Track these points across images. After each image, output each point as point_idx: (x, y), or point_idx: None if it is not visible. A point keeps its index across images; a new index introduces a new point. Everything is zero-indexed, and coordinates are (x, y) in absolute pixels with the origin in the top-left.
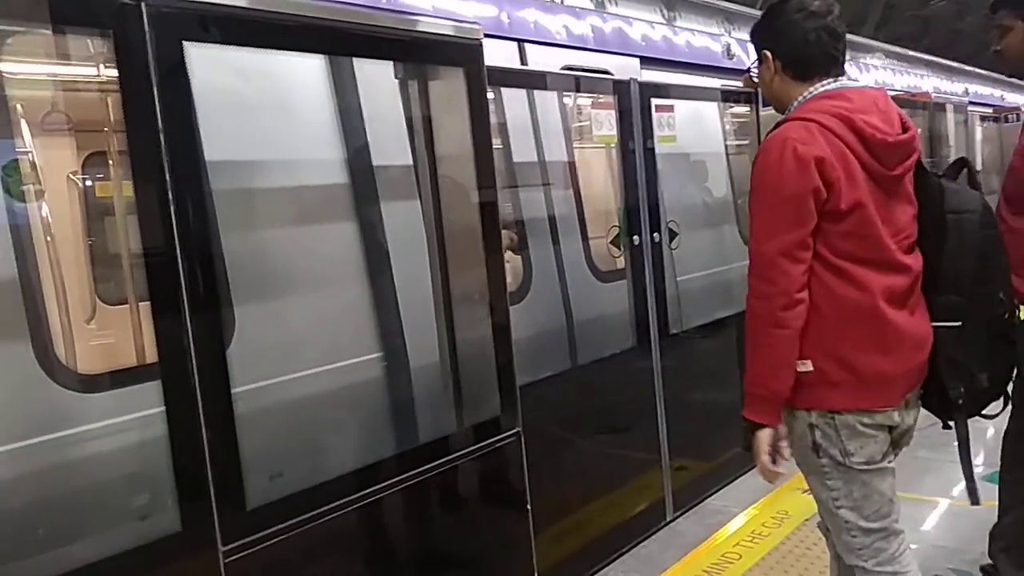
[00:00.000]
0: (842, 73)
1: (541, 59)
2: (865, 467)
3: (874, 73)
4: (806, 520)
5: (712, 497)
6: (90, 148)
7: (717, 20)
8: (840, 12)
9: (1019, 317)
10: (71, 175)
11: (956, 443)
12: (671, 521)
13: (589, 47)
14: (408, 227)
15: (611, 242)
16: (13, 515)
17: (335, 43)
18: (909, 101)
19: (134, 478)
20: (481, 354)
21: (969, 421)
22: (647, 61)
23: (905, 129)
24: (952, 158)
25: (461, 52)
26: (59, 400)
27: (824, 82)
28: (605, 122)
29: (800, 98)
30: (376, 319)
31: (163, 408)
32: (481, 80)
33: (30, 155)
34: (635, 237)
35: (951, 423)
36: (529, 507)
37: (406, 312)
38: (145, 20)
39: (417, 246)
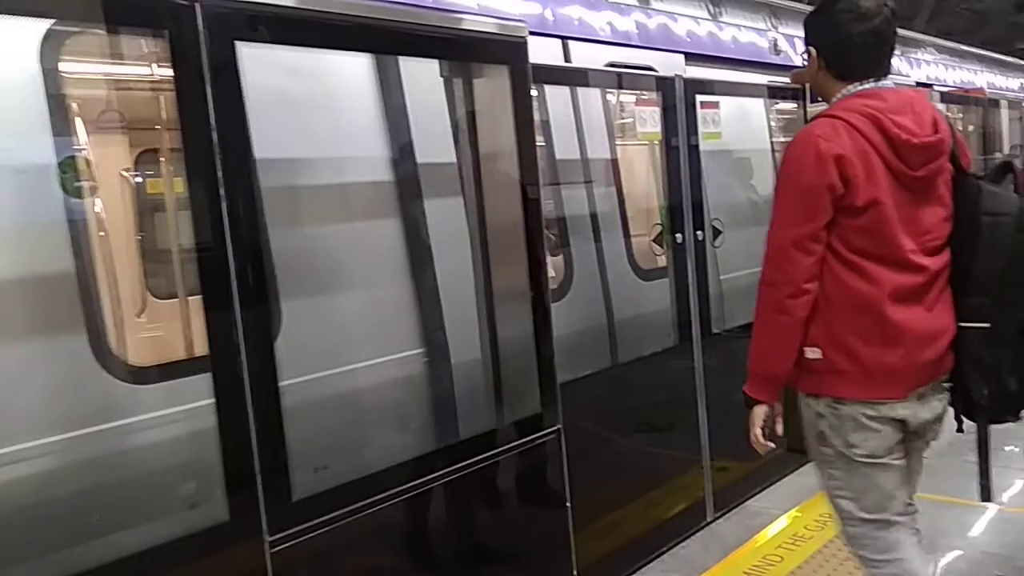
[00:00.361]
0: (886, 74)
1: (585, 56)
2: (867, 460)
3: (925, 68)
4: None
5: (753, 499)
6: (142, 145)
7: (763, 15)
8: (893, 10)
9: None
10: (123, 172)
11: (1006, 447)
12: (711, 522)
13: (633, 43)
14: (451, 224)
15: (654, 240)
16: (69, 502)
17: (381, 42)
18: (962, 97)
19: (183, 468)
20: (523, 351)
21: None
22: (692, 57)
23: (936, 132)
24: (1006, 155)
25: (506, 50)
26: (112, 390)
27: (865, 82)
28: (649, 119)
29: (839, 95)
30: (419, 315)
31: (212, 400)
32: (526, 77)
33: (85, 152)
34: (678, 235)
35: (962, 428)
36: (569, 504)
37: (449, 308)
38: (199, 20)
39: (460, 243)
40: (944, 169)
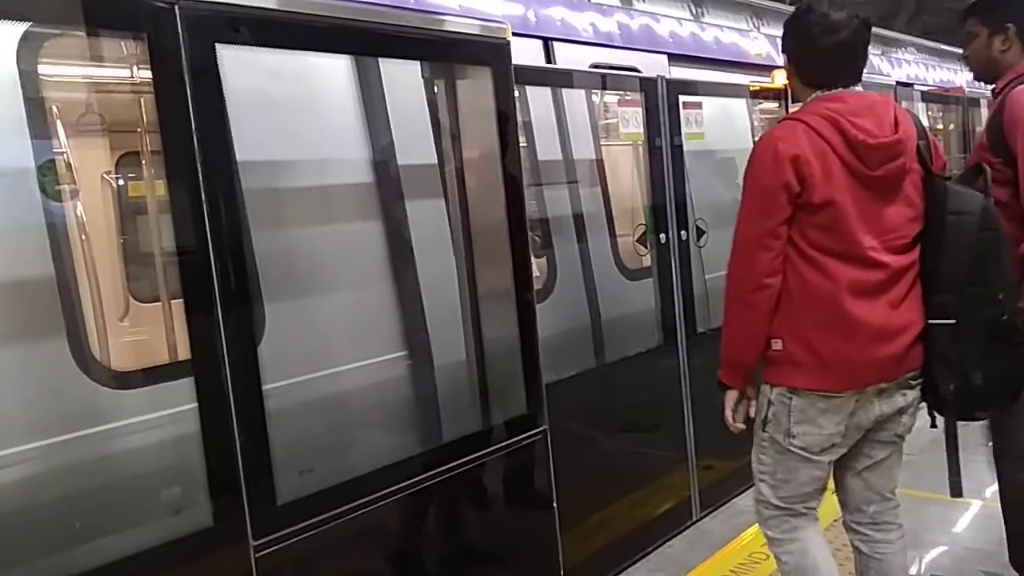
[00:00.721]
0: (855, 82)
1: (569, 56)
2: (800, 452)
3: (906, 68)
4: (836, 520)
5: (739, 497)
6: (124, 148)
7: (745, 16)
8: (864, 21)
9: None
10: (105, 175)
11: (989, 443)
12: (697, 520)
13: (616, 44)
14: (434, 226)
15: (638, 240)
16: (50, 509)
17: (362, 43)
18: (941, 96)
19: (166, 473)
20: (508, 351)
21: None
22: (675, 58)
23: (896, 132)
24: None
25: (488, 51)
26: (93, 396)
27: (833, 89)
28: (632, 120)
29: (808, 99)
30: (401, 317)
31: (195, 404)
32: (508, 79)
33: (65, 155)
34: (662, 235)
35: (935, 423)
36: (555, 505)
37: (432, 310)
38: (179, 23)
39: (443, 245)
40: (910, 170)
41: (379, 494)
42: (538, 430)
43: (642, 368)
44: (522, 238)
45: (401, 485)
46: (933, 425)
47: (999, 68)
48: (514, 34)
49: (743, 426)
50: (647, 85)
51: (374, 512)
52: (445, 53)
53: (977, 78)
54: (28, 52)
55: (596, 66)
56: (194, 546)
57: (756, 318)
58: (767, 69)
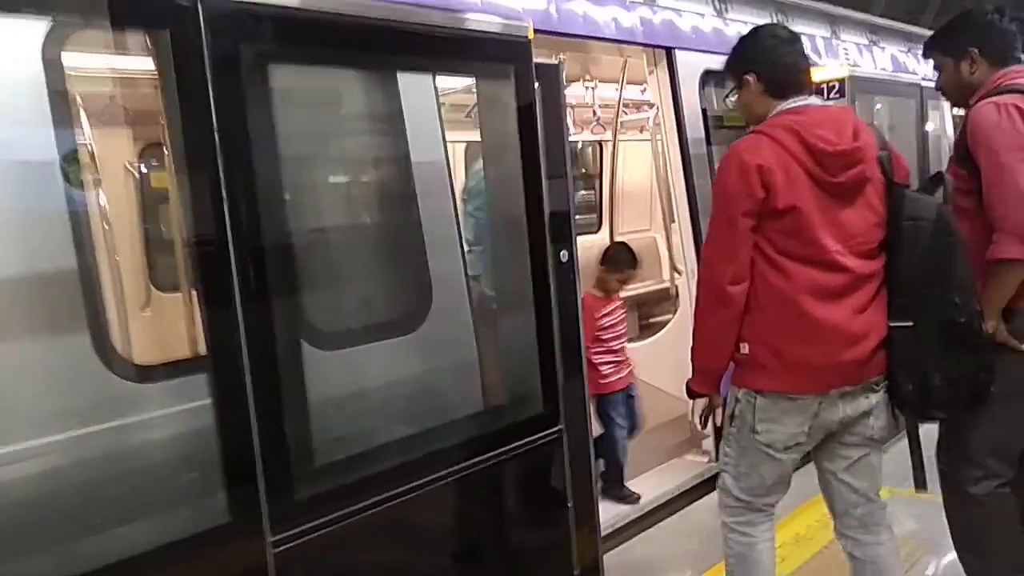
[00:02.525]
0: (810, 91)
1: None
2: (763, 448)
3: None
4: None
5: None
6: (146, 139)
7: (769, 11)
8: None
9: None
10: (127, 165)
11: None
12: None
13: (638, 41)
14: (445, 220)
15: None
16: (71, 502)
17: (384, 41)
18: None
19: (184, 466)
20: (526, 351)
21: None
22: (707, 53)
23: (856, 141)
24: None
25: (510, 49)
26: (115, 388)
27: (794, 99)
28: None
29: (773, 112)
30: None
31: (214, 398)
32: (530, 77)
33: (89, 146)
34: None
35: (898, 424)
36: (570, 504)
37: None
38: (201, 20)
39: (452, 241)
40: (871, 178)
41: (396, 491)
42: (554, 429)
43: None
44: (542, 234)
45: (418, 483)
46: (895, 426)
47: (972, 90)
48: (537, 32)
49: (709, 433)
50: None
51: (390, 509)
52: (467, 51)
53: (955, 105)
54: (53, 44)
55: None
56: (213, 540)
57: (724, 325)
58: None
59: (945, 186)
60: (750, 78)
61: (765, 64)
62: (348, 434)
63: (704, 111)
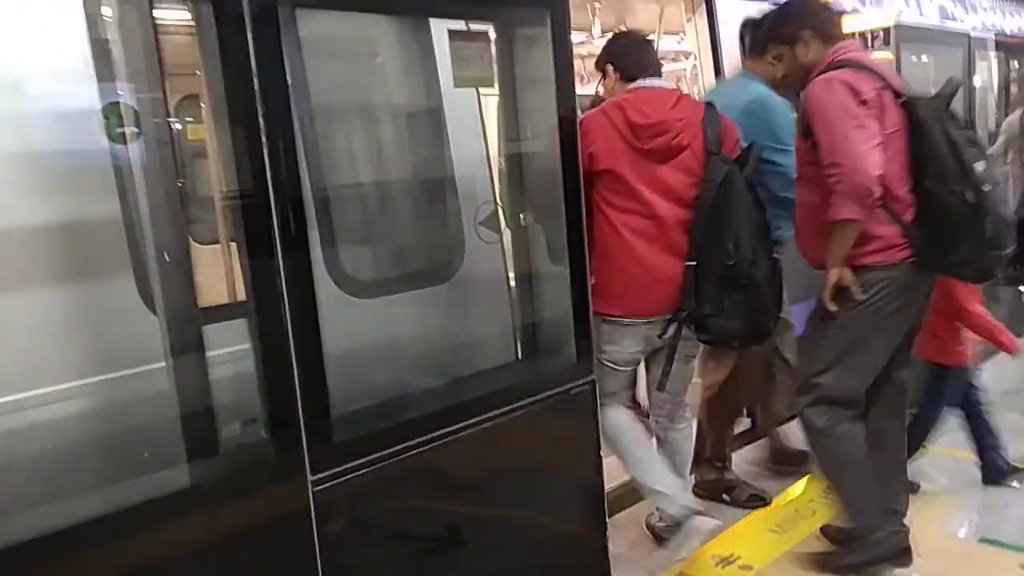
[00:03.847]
0: (655, 74)
1: None
2: (607, 364)
3: (982, 15)
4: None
5: None
6: (182, 92)
7: None
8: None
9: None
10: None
11: None
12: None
13: None
14: (476, 160)
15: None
16: (115, 440)
17: None
18: (1017, 46)
19: (228, 409)
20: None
21: None
22: None
23: (670, 116)
24: None
25: None
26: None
27: (638, 82)
28: None
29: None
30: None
31: (255, 343)
32: (566, 24)
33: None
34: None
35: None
36: (602, 455)
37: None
38: None
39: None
40: (689, 145)
41: (431, 435)
42: (586, 380)
43: None
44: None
45: (452, 428)
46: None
47: (810, 71)
48: None
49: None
50: None
51: (425, 453)
52: None
53: (800, 89)
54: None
55: None
56: (255, 479)
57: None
58: None
59: (750, 154)
60: (610, 67)
61: (623, 58)
62: (386, 380)
63: None
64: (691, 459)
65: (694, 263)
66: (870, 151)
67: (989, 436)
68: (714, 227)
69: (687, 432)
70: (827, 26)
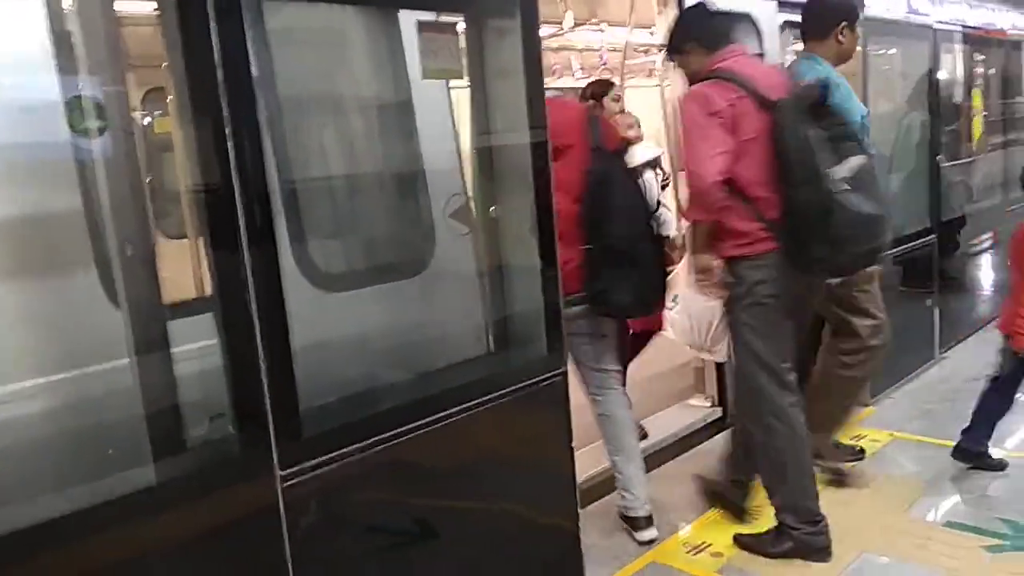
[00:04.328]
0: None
1: None
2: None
3: (948, 8)
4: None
5: None
6: (149, 84)
7: None
8: None
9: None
10: (130, 111)
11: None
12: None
13: None
14: (446, 152)
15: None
16: (79, 439)
17: None
18: (982, 39)
19: (194, 405)
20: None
21: None
22: (784, 5)
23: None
24: None
25: None
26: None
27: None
28: None
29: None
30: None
31: (222, 338)
32: (535, 15)
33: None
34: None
35: None
36: (573, 446)
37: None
38: None
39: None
40: (576, 143)
41: (400, 430)
42: (557, 372)
43: None
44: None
45: (423, 421)
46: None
47: (695, 80)
48: None
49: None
50: None
51: (395, 447)
52: None
53: (692, 82)
54: None
55: None
56: (224, 475)
57: None
58: None
59: (621, 152)
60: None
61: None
62: (355, 374)
63: None
64: (629, 425)
65: (587, 247)
66: (710, 159)
67: (996, 420)
68: (596, 212)
69: (621, 400)
70: (709, 36)
